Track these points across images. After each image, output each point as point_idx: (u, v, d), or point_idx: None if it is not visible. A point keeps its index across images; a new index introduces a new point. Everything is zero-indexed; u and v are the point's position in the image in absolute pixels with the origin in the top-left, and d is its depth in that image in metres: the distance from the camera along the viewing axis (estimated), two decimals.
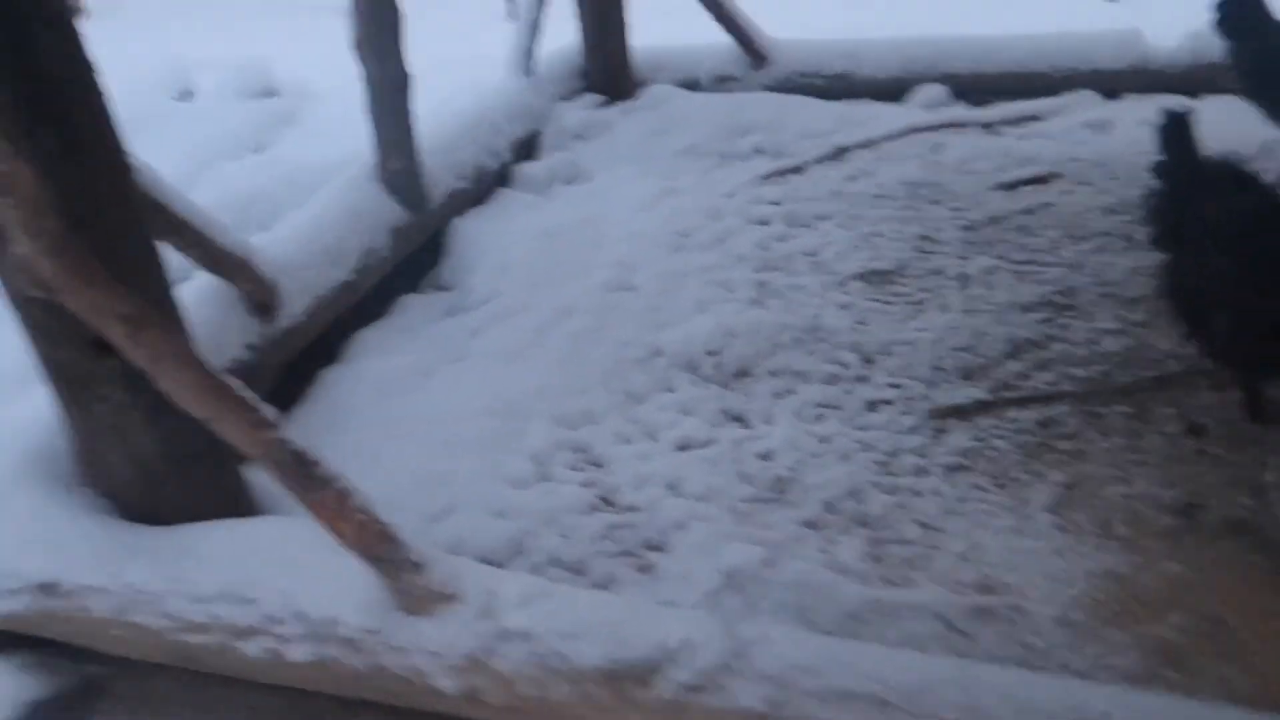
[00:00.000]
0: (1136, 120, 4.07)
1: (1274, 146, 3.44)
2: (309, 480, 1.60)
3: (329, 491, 1.61)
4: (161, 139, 4.74)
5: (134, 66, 5.59)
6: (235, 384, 1.64)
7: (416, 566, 1.63)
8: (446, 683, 1.58)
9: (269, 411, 1.64)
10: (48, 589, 1.82)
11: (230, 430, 1.59)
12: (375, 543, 1.61)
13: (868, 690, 1.41)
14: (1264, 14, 3.39)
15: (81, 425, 1.91)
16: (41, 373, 1.86)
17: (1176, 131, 2.46)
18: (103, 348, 1.77)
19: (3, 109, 1.50)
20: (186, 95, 5.77)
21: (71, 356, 1.79)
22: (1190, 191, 2.35)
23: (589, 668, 1.52)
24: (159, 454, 1.91)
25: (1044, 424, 2.39)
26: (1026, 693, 1.39)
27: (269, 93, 5.77)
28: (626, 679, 1.50)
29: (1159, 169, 2.49)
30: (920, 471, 2.28)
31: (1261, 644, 1.72)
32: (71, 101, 1.64)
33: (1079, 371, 2.56)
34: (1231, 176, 2.29)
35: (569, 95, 4.68)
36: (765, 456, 2.39)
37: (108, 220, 1.73)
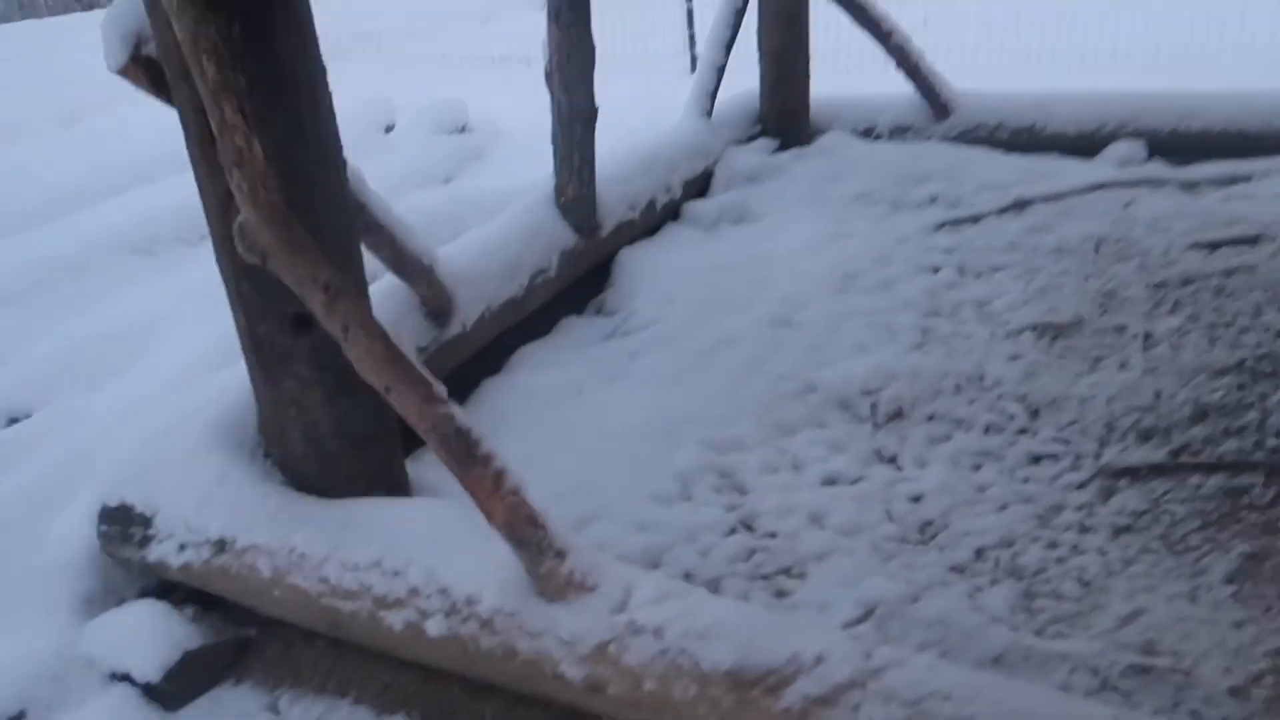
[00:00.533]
0: None
1: None
2: (469, 457, 1.67)
3: (487, 469, 1.67)
4: (365, 166, 5.12)
5: (349, 102, 6.09)
6: (413, 359, 1.74)
7: (559, 553, 1.67)
8: (573, 671, 1.60)
9: (439, 389, 1.73)
10: (222, 545, 1.97)
11: (404, 400, 1.69)
12: (523, 524, 1.66)
13: None
14: None
15: (269, 399, 2.08)
16: (243, 345, 2.04)
17: None
18: (299, 325, 1.93)
19: (245, 93, 1.67)
20: (390, 129, 6.23)
21: (270, 331, 1.96)
22: None
23: (717, 670, 1.50)
24: (334, 433, 2.05)
25: (1230, 493, 2.21)
26: None
27: (462, 130, 6.14)
28: (754, 685, 1.48)
29: None
30: (1084, 529, 2.15)
31: None
32: (302, 96, 1.82)
33: (1276, 441, 2.35)
34: None
35: (745, 139, 4.75)
36: (915, 499, 2.31)
37: (319, 203, 1.90)
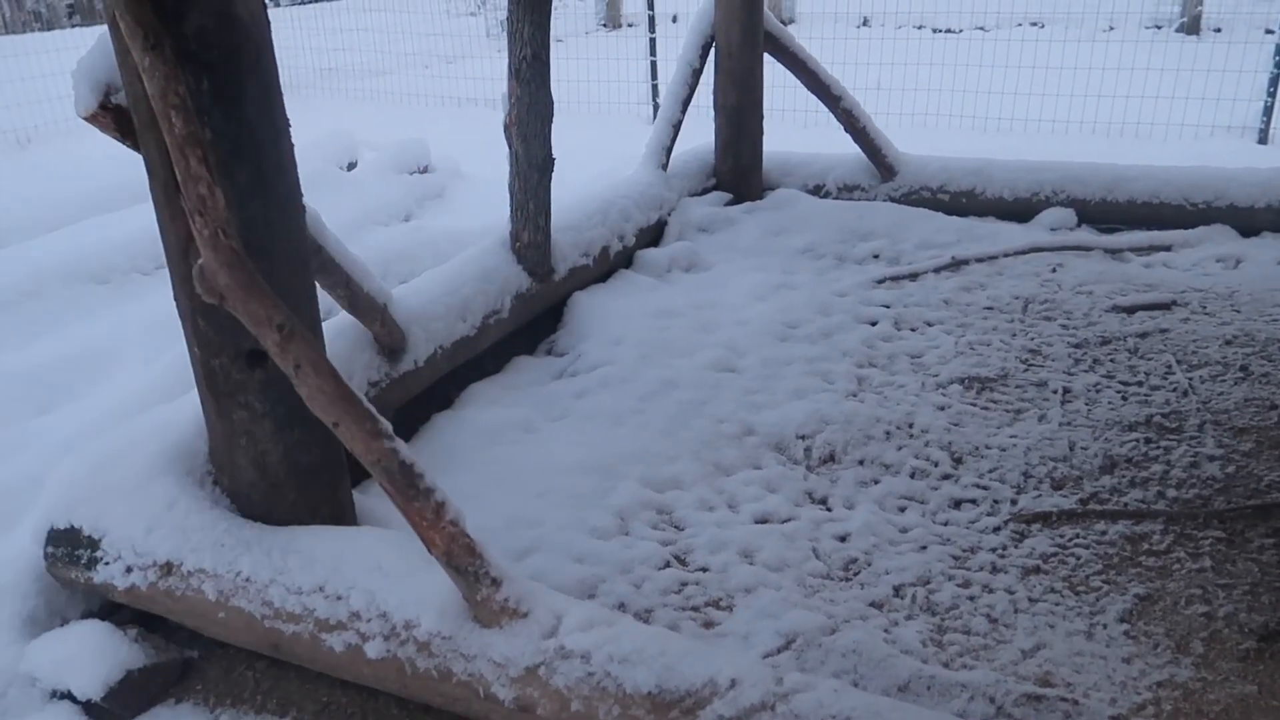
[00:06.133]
0: (1272, 257, 4.02)
1: None
2: (411, 489, 1.76)
3: (428, 501, 1.76)
4: (326, 201, 5.22)
5: (310, 137, 6.20)
6: (360, 397, 1.83)
7: (495, 581, 1.76)
8: (504, 692, 1.69)
9: (385, 425, 1.82)
10: (169, 569, 2.03)
11: (351, 434, 1.77)
12: (461, 553, 1.75)
13: None
14: None
15: (220, 428, 2.15)
16: (196, 377, 2.11)
17: None
18: (253, 361, 2.02)
19: (211, 145, 1.78)
20: (351, 167, 6.33)
21: (224, 365, 2.04)
22: None
23: (639, 692, 1.60)
24: (282, 462, 2.13)
25: (1131, 539, 2.36)
26: None
27: (424, 170, 6.26)
28: (673, 707, 1.57)
29: None
30: (996, 569, 2.28)
31: None
32: (265, 148, 1.93)
33: (1175, 493, 2.52)
34: None
35: (698, 191, 4.92)
36: (842, 538, 2.44)
37: (277, 247, 1.99)
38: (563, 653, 1.68)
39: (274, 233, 1.99)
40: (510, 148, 3.48)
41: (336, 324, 2.80)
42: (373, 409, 1.81)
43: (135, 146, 1.93)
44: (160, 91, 1.69)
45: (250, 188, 1.89)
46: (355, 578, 1.90)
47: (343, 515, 2.26)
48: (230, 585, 1.97)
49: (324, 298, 2.48)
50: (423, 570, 1.87)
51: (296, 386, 1.79)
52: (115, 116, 1.90)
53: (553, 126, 3.44)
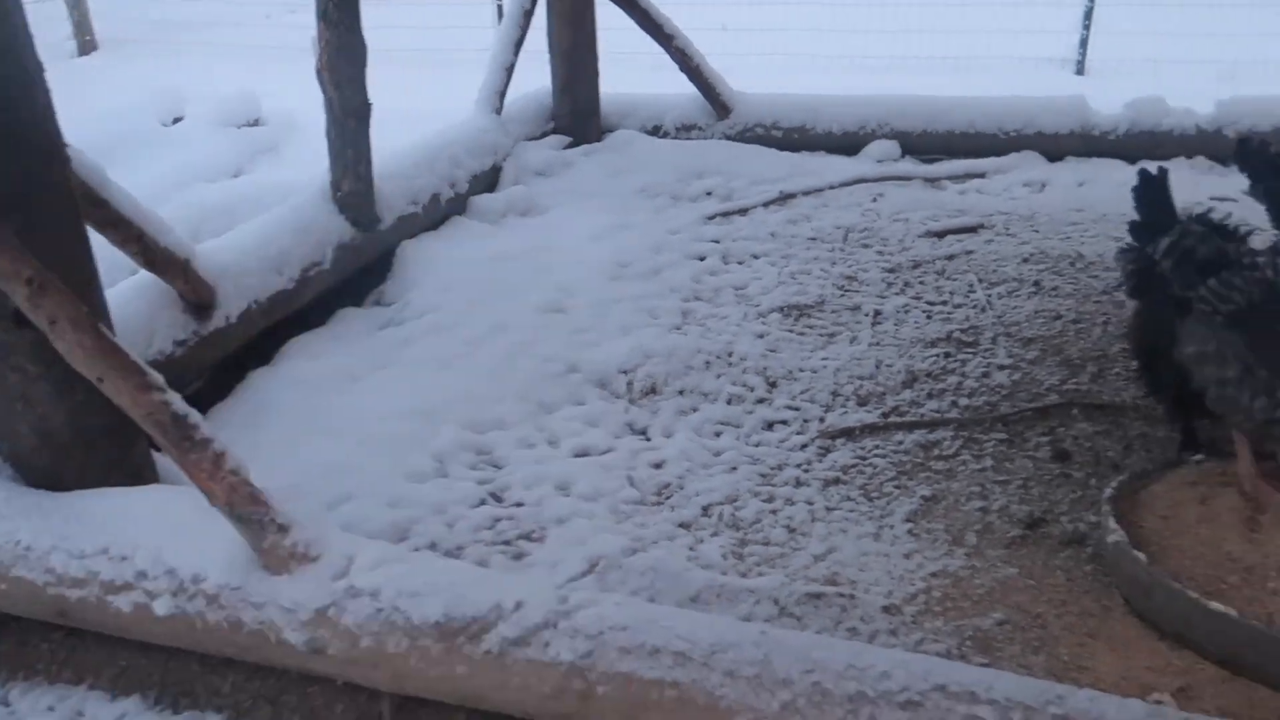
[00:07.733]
0: (1072, 180, 4.27)
1: None
2: (186, 440, 1.72)
3: (205, 452, 1.72)
4: (147, 160, 4.96)
5: (130, 93, 5.85)
6: (127, 350, 1.76)
7: (282, 528, 1.74)
8: (295, 636, 1.68)
9: (156, 377, 1.77)
10: None
11: (117, 389, 1.72)
12: (244, 502, 1.73)
13: (671, 646, 1.51)
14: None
15: None
16: None
17: (1152, 191, 2.34)
18: (20, 320, 1.91)
19: None
20: (176, 122, 6.02)
21: None
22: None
23: (425, 623, 1.62)
24: (65, 426, 2.03)
25: (924, 446, 2.51)
26: (817, 654, 1.49)
27: (254, 123, 6.00)
28: (458, 634, 1.60)
29: (1135, 227, 2.33)
30: (799, 484, 2.39)
31: (1070, 637, 1.81)
32: (14, 93, 1.81)
33: (967, 401, 2.68)
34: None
35: (536, 135, 4.88)
36: (657, 465, 2.50)
37: (35, 200, 1.89)
38: (352, 592, 1.68)
39: (32, 185, 1.88)
40: (324, 94, 3.37)
41: (135, 282, 2.68)
42: (142, 363, 1.75)
43: None
44: None
45: (1, 138, 1.79)
46: (141, 537, 1.85)
47: (141, 476, 2.19)
48: (10, 555, 1.89)
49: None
50: (214, 524, 1.83)
51: (53, 342, 1.72)
52: None
53: (367, 70, 3.35)
